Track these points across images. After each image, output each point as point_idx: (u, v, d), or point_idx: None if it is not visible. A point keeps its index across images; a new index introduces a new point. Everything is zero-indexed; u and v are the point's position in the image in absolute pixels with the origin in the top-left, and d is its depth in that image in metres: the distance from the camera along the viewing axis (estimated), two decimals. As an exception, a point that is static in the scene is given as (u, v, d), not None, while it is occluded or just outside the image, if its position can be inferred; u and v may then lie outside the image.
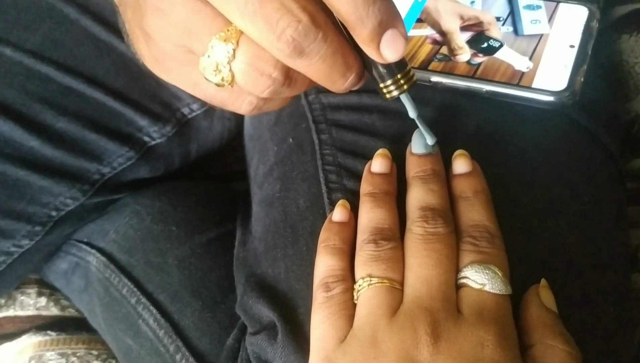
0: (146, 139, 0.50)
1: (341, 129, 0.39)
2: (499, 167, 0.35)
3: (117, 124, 0.48)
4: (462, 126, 0.37)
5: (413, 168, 0.34)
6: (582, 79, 0.37)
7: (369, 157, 0.36)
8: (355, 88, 0.27)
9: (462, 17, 0.42)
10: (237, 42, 0.24)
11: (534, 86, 0.37)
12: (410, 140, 0.35)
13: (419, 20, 0.43)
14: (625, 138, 0.52)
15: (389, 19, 0.24)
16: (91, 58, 0.46)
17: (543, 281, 0.31)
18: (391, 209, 0.33)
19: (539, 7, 0.42)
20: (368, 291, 0.30)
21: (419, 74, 0.39)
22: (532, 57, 0.39)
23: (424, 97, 0.39)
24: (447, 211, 0.32)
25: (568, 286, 0.33)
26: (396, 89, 0.28)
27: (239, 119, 0.57)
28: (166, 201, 0.47)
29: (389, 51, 0.25)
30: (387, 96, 0.29)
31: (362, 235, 0.32)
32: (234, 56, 0.25)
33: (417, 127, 0.33)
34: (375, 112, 0.39)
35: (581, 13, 0.41)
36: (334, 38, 0.24)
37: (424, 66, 0.40)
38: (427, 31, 0.42)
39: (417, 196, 0.32)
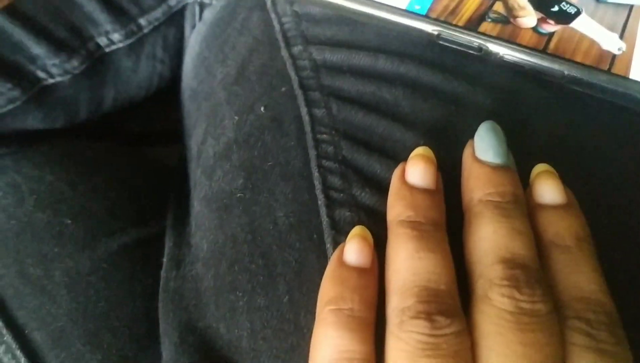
0: (40, 74, 0.35)
1: (346, 104, 0.26)
2: (590, 201, 0.23)
3: (-3, 47, 0.32)
4: (529, 125, 0.25)
5: (481, 185, 0.21)
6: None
7: (391, 155, 0.23)
8: None
9: (519, -36, 0.30)
10: None
11: (632, 76, 0.26)
12: (461, 134, 0.23)
13: (460, -40, 0.30)
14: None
15: None
16: None
17: None
18: (446, 256, 0.20)
19: (623, -34, 0.30)
20: None
21: (464, 37, 0.27)
22: (623, 36, 0.27)
23: (470, 72, 0.27)
24: (541, 271, 0.20)
25: None
26: None
27: (174, 63, 0.42)
28: (62, 176, 0.31)
29: None
30: None
31: (403, 300, 0.19)
32: None
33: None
34: (399, 84, 0.26)
35: (681, -17, 0.30)
36: None
37: (473, 27, 0.27)
38: (473, -23, 0.30)
39: (495, 238, 0.19)
